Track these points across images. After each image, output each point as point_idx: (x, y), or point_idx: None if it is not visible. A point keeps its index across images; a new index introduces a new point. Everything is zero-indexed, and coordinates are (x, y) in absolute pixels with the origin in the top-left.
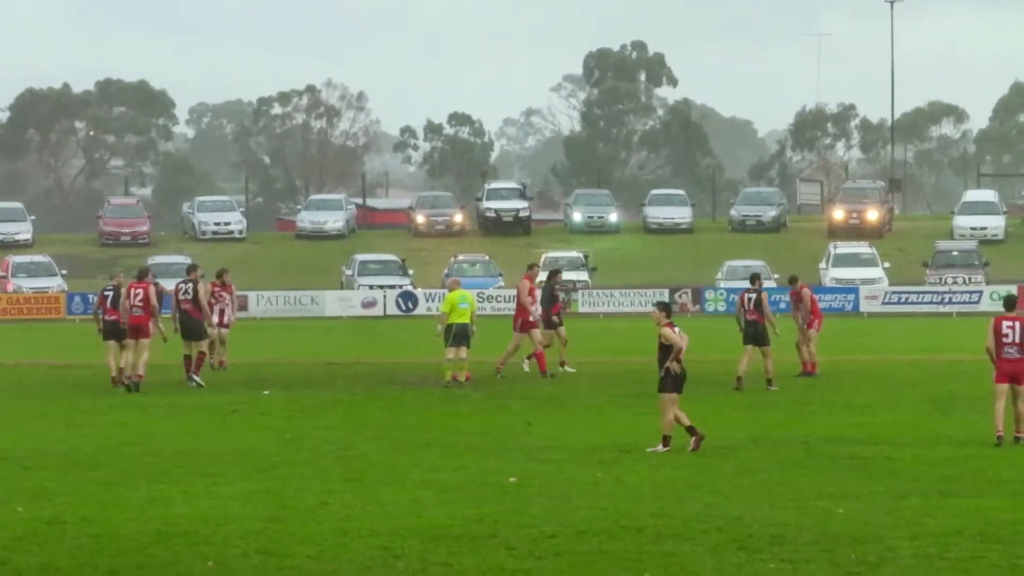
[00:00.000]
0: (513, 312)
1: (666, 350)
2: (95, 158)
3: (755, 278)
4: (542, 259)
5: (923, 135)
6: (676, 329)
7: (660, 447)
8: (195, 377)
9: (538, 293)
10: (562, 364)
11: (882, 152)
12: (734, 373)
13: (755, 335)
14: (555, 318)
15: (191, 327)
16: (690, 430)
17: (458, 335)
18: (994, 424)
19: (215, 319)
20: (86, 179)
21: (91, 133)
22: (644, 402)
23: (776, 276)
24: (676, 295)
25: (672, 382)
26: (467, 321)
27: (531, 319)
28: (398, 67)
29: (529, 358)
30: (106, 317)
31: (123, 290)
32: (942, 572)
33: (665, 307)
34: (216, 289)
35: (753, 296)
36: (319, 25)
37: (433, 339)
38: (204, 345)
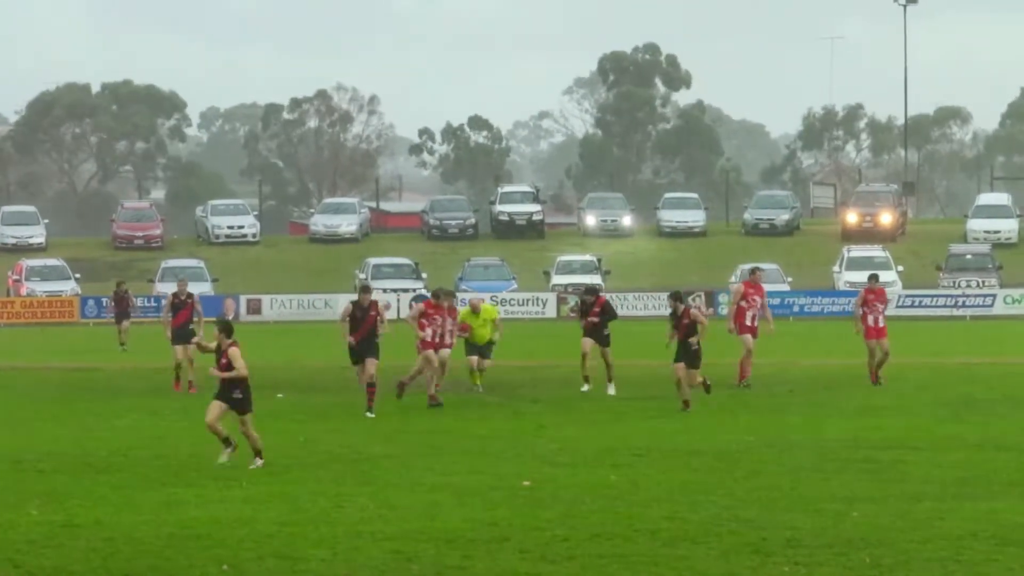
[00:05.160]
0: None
1: (691, 328)
2: (108, 161)
3: (678, 296)
4: (556, 262)
5: (934, 138)
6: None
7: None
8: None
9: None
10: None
11: (889, 156)
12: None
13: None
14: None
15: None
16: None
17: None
18: None
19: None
20: (99, 182)
21: (104, 136)
22: (658, 406)
23: (790, 279)
24: (690, 298)
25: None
26: (487, 335)
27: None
28: (409, 71)
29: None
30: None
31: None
32: (955, 575)
33: (680, 295)
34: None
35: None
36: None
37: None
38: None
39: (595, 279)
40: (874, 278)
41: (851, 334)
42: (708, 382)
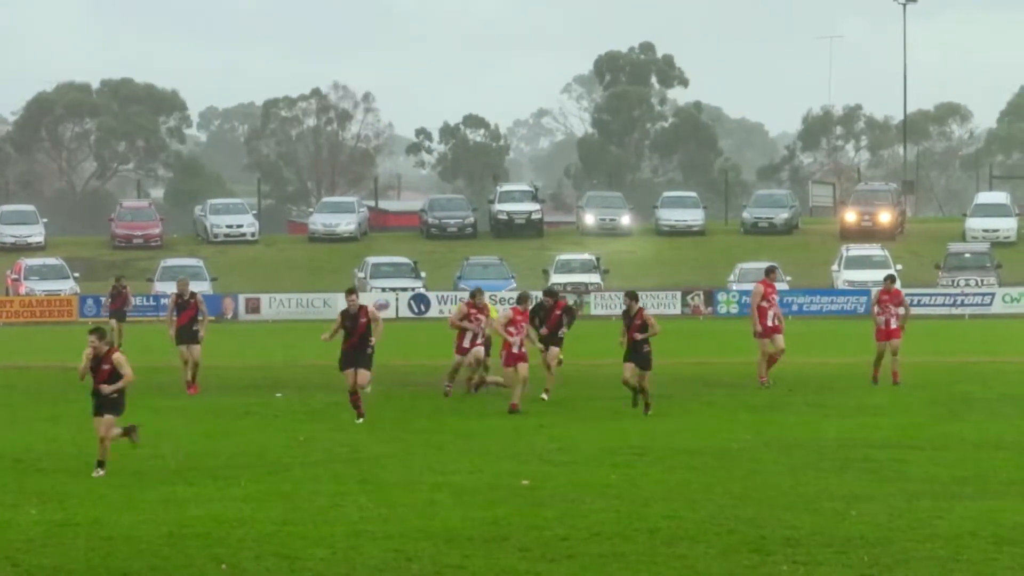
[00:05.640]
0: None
1: (643, 329)
2: (107, 160)
3: (633, 295)
4: (554, 261)
5: (932, 135)
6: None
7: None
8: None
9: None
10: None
11: (887, 154)
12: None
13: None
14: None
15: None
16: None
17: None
18: None
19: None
20: (98, 181)
21: (103, 135)
22: (658, 404)
23: (789, 278)
24: (688, 297)
25: (646, 357)
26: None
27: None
28: (409, 70)
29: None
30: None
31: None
32: (954, 574)
33: (635, 295)
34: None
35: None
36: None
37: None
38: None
39: (594, 278)
40: (890, 279)
41: (849, 333)
42: (648, 401)
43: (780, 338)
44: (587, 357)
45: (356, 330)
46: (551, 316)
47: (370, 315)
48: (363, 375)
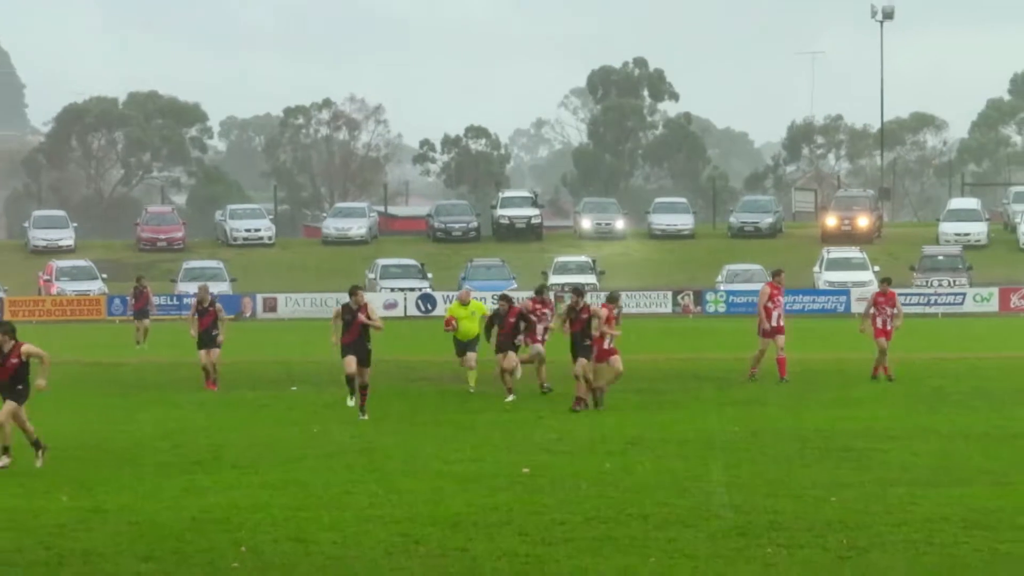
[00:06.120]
0: None
1: (588, 323)
2: (133, 168)
3: (579, 291)
4: (553, 263)
5: (908, 145)
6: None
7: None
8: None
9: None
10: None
11: (865, 162)
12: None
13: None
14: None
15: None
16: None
17: (466, 344)
18: None
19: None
20: (125, 188)
21: (130, 145)
22: (649, 398)
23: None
24: (679, 297)
25: (589, 349)
26: (475, 330)
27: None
28: (418, 82)
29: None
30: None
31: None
32: (927, 557)
33: (582, 291)
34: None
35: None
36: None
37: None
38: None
39: (590, 279)
40: (886, 282)
41: (829, 331)
42: (548, 386)
43: (781, 338)
44: None
45: (354, 324)
46: (506, 322)
47: (368, 312)
48: (363, 372)
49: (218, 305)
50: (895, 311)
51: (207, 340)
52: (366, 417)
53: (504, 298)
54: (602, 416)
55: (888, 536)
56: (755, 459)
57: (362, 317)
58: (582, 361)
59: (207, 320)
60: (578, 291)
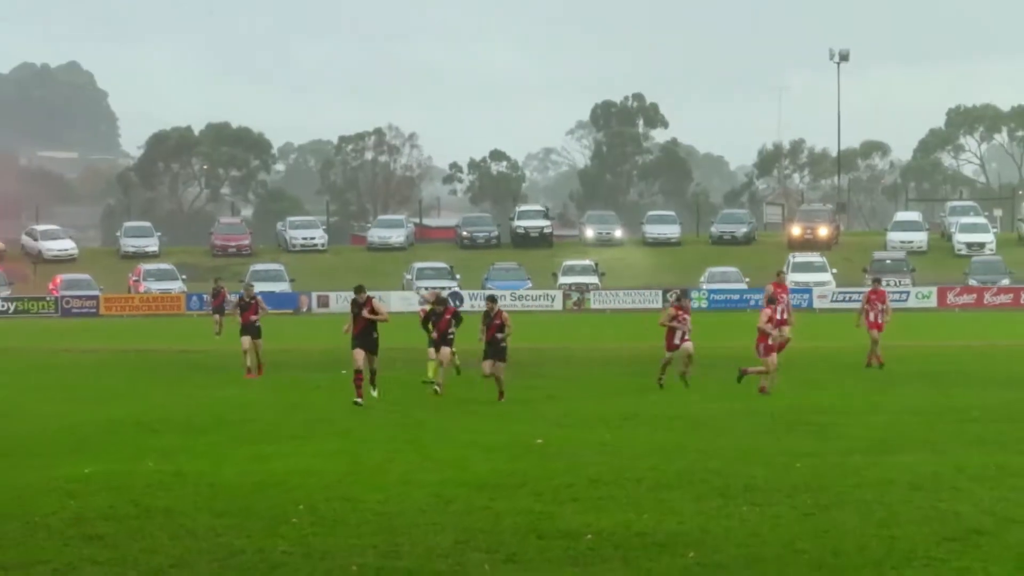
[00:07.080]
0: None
1: (501, 328)
2: (210, 187)
3: (493, 299)
4: (561, 266)
5: (860, 167)
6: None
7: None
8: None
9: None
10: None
11: (825, 181)
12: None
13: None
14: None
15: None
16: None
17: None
18: None
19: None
20: (202, 203)
21: (204, 167)
22: (643, 380)
23: (748, 280)
24: (667, 295)
25: (503, 352)
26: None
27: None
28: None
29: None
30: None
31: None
32: (878, 513)
33: (495, 298)
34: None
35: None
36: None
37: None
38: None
39: (593, 279)
40: (877, 281)
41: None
42: (502, 389)
43: (787, 329)
44: (589, 342)
45: (360, 317)
46: (441, 320)
47: (373, 307)
48: (371, 359)
49: (259, 298)
50: (885, 307)
51: (250, 330)
52: (376, 393)
53: (439, 301)
54: (604, 396)
55: (846, 496)
56: (733, 432)
57: (366, 312)
58: (492, 362)
59: (250, 313)
60: (492, 299)
